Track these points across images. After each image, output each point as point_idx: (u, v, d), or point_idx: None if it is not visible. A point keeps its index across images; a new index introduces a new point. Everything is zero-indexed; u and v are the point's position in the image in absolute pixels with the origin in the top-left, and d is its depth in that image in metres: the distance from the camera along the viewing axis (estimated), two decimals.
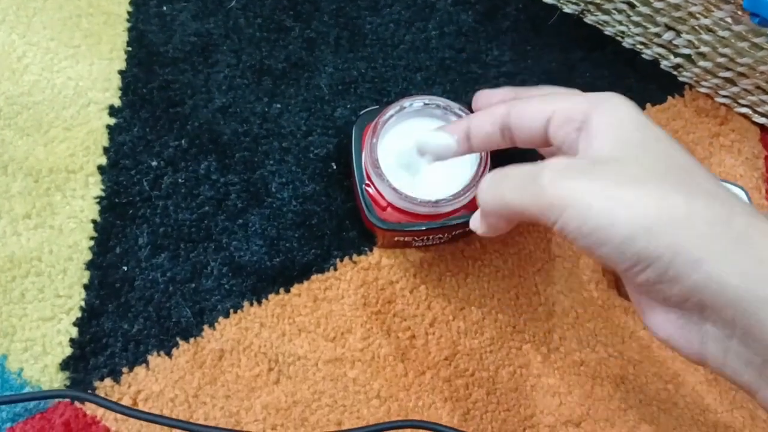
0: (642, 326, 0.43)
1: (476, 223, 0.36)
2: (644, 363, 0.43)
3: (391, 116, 0.40)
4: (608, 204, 0.27)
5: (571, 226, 0.28)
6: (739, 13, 0.42)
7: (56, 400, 0.40)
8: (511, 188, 0.31)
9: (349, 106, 0.47)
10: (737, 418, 0.42)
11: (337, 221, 0.44)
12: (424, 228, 0.40)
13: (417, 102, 0.40)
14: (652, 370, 0.43)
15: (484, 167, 0.39)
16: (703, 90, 0.49)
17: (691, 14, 0.44)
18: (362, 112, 0.42)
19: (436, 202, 0.39)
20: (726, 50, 0.44)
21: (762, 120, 0.48)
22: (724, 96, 0.48)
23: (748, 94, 0.47)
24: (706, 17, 0.43)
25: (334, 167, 0.45)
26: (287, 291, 0.43)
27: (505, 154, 0.38)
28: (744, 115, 0.49)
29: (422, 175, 0.40)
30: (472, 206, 0.39)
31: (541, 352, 0.43)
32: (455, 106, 0.40)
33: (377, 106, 0.42)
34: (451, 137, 0.36)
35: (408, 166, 0.40)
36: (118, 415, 0.40)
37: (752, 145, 0.48)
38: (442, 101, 0.40)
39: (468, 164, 0.40)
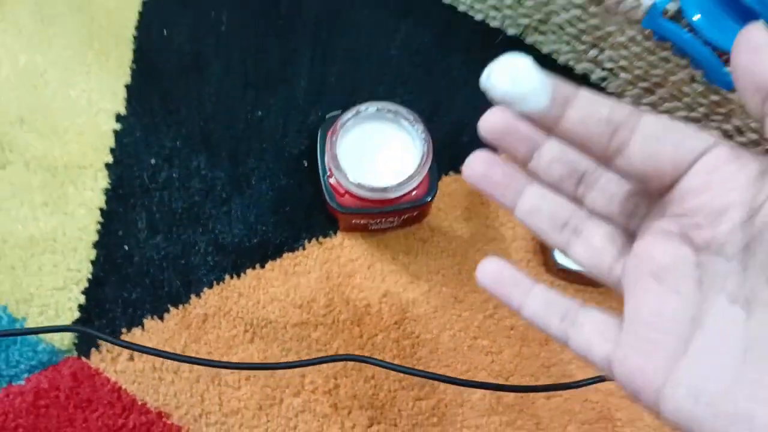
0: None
1: None
2: None
3: (349, 119, 0.48)
4: None
5: None
6: (646, 31, 0.49)
7: (66, 355, 0.48)
8: None
9: (320, 113, 0.55)
10: None
11: (307, 209, 0.52)
12: (375, 211, 0.48)
13: (371, 107, 0.48)
14: None
15: (427, 158, 0.47)
16: (627, 99, 0.56)
17: (609, 33, 0.52)
18: (327, 116, 0.50)
19: (384, 188, 0.46)
20: (640, 63, 0.52)
21: None
22: (645, 104, 0.56)
23: (665, 102, 0.55)
24: (621, 36, 0.51)
25: (305, 164, 0.53)
26: (262, 266, 0.50)
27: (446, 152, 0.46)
28: None
29: (374, 165, 0.47)
30: (418, 194, 0.47)
31: (478, 318, 0.50)
32: (404, 110, 0.48)
33: (339, 111, 0.50)
34: (546, 89, 0.24)
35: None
36: (118, 367, 0.47)
37: None
38: (392, 106, 0.48)
39: (413, 156, 0.47)
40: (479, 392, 0.48)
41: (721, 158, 0.23)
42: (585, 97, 0.24)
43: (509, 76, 0.24)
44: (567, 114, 0.24)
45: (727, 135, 0.53)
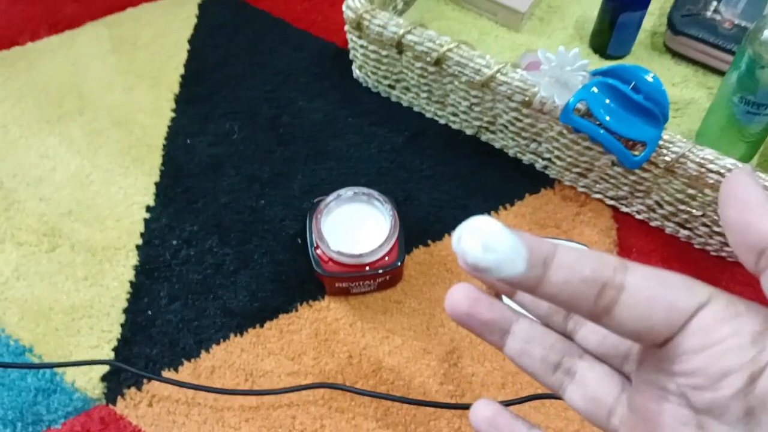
0: None
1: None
2: (519, 374, 0.58)
3: (331, 201, 0.60)
4: None
5: None
6: (568, 126, 0.61)
7: (96, 403, 0.57)
8: None
9: (313, 200, 0.67)
10: None
11: (299, 278, 0.63)
12: (355, 275, 0.58)
13: (349, 191, 0.60)
14: (525, 379, 0.58)
15: (394, 230, 0.58)
16: (567, 183, 0.68)
17: (542, 129, 0.64)
18: (314, 201, 0.61)
19: (360, 255, 0.57)
20: (570, 153, 0.64)
21: (612, 202, 0.66)
22: (582, 186, 0.67)
23: (596, 184, 0.66)
24: (551, 131, 0.63)
25: (299, 242, 0.64)
26: (261, 326, 0.60)
27: (414, 216, 0.57)
28: (599, 200, 0.67)
29: (352, 237, 0.58)
30: (389, 260, 0.58)
31: (444, 367, 0.59)
32: (376, 193, 0.60)
33: (324, 197, 0.61)
34: (522, 253, 0.22)
35: None
36: (139, 412, 0.56)
37: (605, 221, 0.66)
38: (366, 190, 0.60)
39: (384, 229, 0.58)
40: (445, 430, 0.56)
41: (718, 317, 0.22)
42: (564, 255, 0.22)
43: (480, 243, 0.22)
44: (547, 277, 0.22)
45: (650, 209, 0.64)
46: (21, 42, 0.78)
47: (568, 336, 0.28)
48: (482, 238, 0.22)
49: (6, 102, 0.73)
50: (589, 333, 0.27)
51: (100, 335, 0.60)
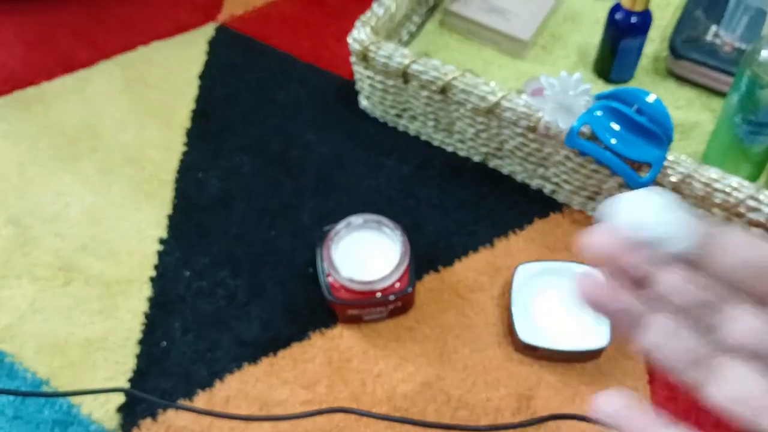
0: (533, 371, 0.59)
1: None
2: (534, 398, 0.58)
3: (342, 228, 0.60)
4: None
5: None
6: (574, 150, 0.62)
7: None
8: None
9: (324, 228, 0.68)
10: None
11: (312, 307, 0.63)
12: (366, 302, 0.58)
13: (359, 219, 0.61)
14: (540, 403, 0.58)
15: (404, 256, 0.58)
16: (576, 207, 0.68)
17: (549, 153, 0.65)
18: (324, 229, 0.62)
19: (371, 281, 0.57)
20: (577, 176, 0.64)
21: None
22: (591, 209, 0.68)
23: None
24: (557, 155, 0.64)
25: (311, 270, 0.65)
26: (275, 355, 0.61)
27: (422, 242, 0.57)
28: None
29: (363, 264, 0.59)
30: (400, 287, 0.58)
31: (458, 393, 0.58)
32: (386, 220, 0.60)
33: (334, 224, 0.62)
34: (692, 230, 0.23)
35: None
36: None
37: None
38: (376, 218, 0.61)
39: (394, 255, 0.59)
40: None
41: None
42: (739, 237, 0.22)
43: (645, 214, 0.21)
44: (722, 258, 0.22)
45: None
46: (36, 82, 0.80)
47: (710, 330, 0.26)
48: (648, 209, 0.21)
49: (23, 142, 0.75)
50: (740, 327, 0.25)
51: (116, 367, 0.60)
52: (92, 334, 0.62)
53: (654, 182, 0.58)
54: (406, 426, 0.56)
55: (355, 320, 0.62)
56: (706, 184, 0.56)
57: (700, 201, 0.58)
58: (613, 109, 0.57)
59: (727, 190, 0.56)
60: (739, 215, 0.57)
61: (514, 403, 0.58)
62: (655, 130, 0.56)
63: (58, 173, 0.72)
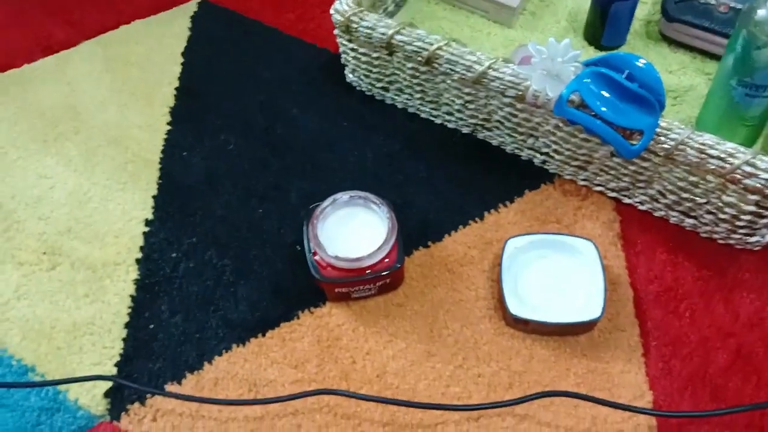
0: (524, 345, 0.58)
1: None
2: (526, 373, 0.57)
3: (327, 206, 0.59)
4: None
5: None
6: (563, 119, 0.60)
7: (100, 420, 0.56)
8: None
9: (310, 208, 0.66)
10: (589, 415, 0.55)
11: (299, 286, 0.62)
12: (354, 280, 0.57)
13: (345, 196, 0.59)
14: (532, 378, 0.57)
15: (392, 232, 0.57)
16: (567, 177, 0.67)
17: (538, 124, 0.63)
18: (310, 207, 0.61)
19: (358, 258, 0.56)
20: (568, 146, 0.63)
21: (613, 194, 0.65)
22: (582, 179, 0.66)
23: (597, 176, 0.65)
24: (547, 125, 0.62)
25: (299, 248, 0.64)
26: (263, 335, 0.60)
27: (410, 219, 0.56)
28: (600, 192, 0.66)
29: (349, 241, 0.57)
30: (388, 263, 0.57)
31: (449, 369, 0.58)
32: (372, 196, 0.59)
33: (320, 202, 0.60)
34: None
35: None
36: (143, 428, 0.56)
37: (608, 213, 0.65)
38: (362, 194, 0.59)
39: (381, 231, 0.58)
40: None
41: None
42: None
43: None
44: None
45: (653, 199, 0.63)
46: (17, 65, 0.78)
47: None
48: None
49: (2, 124, 0.73)
50: None
51: (103, 352, 0.59)
52: (79, 319, 0.61)
53: (646, 150, 0.56)
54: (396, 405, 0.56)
55: (344, 298, 0.61)
56: (701, 150, 0.55)
57: (695, 168, 0.56)
58: (603, 76, 0.55)
59: (722, 156, 0.54)
60: (735, 182, 0.55)
61: (507, 379, 0.57)
62: (646, 96, 0.54)
63: (39, 155, 0.71)
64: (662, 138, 0.56)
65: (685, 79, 0.71)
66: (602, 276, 0.57)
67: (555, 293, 0.58)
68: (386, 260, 0.57)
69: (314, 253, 0.58)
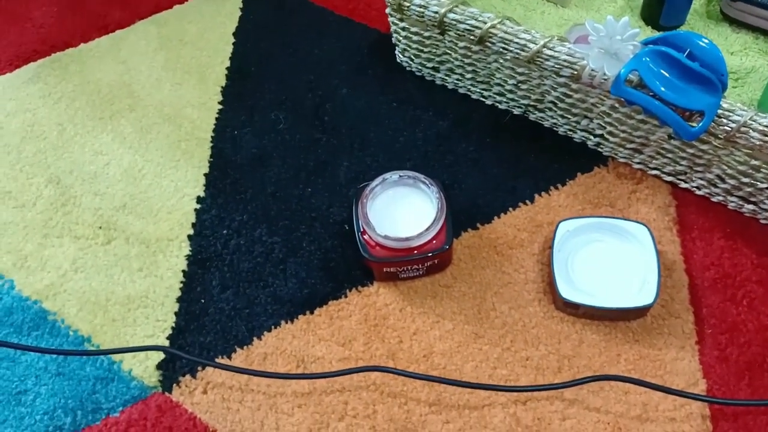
0: (574, 330, 0.57)
1: None
2: (576, 358, 0.56)
3: (377, 185, 0.59)
4: None
5: None
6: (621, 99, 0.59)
7: (153, 391, 0.58)
8: None
9: (359, 187, 0.66)
10: (641, 402, 0.54)
11: (348, 264, 0.62)
12: (402, 260, 0.57)
13: (394, 175, 0.59)
14: (582, 363, 0.56)
15: (441, 213, 0.57)
16: (621, 160, 0.65)
17: (593, 105, 0.61)
18: (359, 186, 0.61)
19: (407, 238, 0.56)
20: (624, 127, 0.61)
21: (669, 178, 0.64)
22: (638, 163, 0.64)
23: (653, 159, 0.63)
24: (602, 105, 0.61)
25: (347, 228, 0.64)
26: (312, 312, 0.60)
27: (462, 198, 0.56)
28: (656, 176, 0.64)
29: (399, 221, 0.57)
30: (437, 244, 0.57)
31: (497, 351, 0.57)
32: (421, 176, 0.59)
33: (369, 182, 0.60)
34: None
35: None
36: (194, 400, 0.57)
37: (663, 197, 0.63)
38: (411, 174, 0.59)
39: (430, 211, 0.57)
40: (500, 415, 0.55)
41: None
42: None
43: None
44: None
45: (711, 183, 0.61)
46: (74, 44, 0.80)
47: None
48: None
49: (61, 102, 0.75)
50: None
51: (155, 324, 0.61)
52: (132, 292, 0.62)
53: (707, 132, 0.55)
54: (443, 384, 0.56)
55: (392, 278, 0.61)
56: (764, 133, 0.53)
57: (757, 151, 0.54)
58: (663, 55, 0.53)
59: None
60: None
61: (555, 363, 0.56)
62: (708, 76, 0.53)
63: (96, 132, 0.73)
64: (723, 120, 0.54)
65: (747, 61, 0.68)
66: (656, 261, 0.56)
67: (607, 278, 0.57)
68: (434, 241, 0.57)
69: (363, 232, 0.58)
